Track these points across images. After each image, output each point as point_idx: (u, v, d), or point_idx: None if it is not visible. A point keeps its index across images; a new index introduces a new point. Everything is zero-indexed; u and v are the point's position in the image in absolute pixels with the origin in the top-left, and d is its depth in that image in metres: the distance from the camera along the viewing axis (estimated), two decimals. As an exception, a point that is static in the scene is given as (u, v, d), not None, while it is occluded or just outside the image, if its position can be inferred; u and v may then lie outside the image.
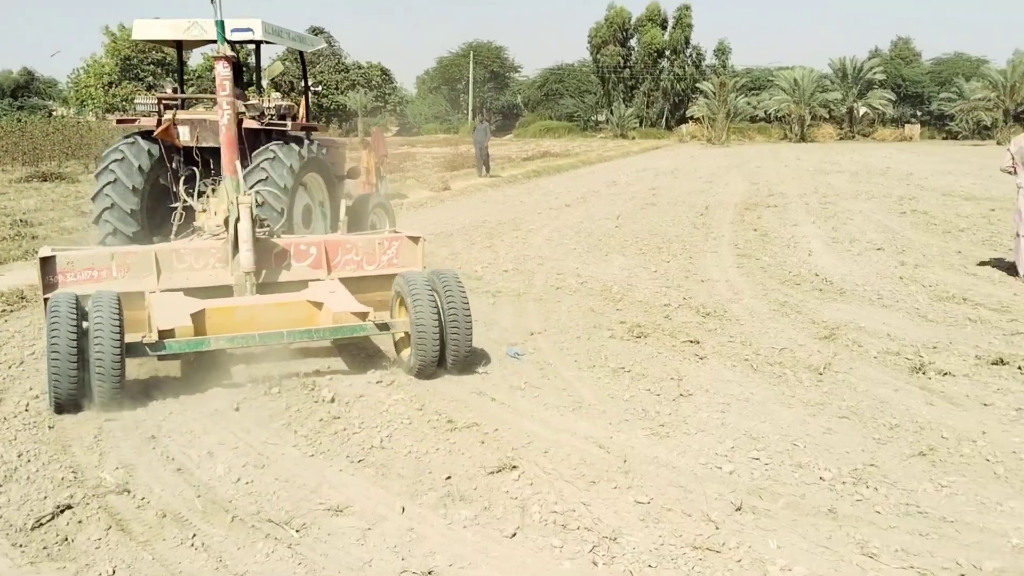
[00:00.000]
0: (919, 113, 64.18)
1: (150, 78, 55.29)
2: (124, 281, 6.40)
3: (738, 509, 4.12)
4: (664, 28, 70.04)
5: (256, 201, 6.82)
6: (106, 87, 54.00)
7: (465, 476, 4.56)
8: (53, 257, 6.26)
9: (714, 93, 57.98)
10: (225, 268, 6.73)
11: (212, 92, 7.87)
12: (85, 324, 5.33)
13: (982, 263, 10.62)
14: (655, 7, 69.85)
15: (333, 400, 5.71)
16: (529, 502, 4.23)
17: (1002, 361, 6.44)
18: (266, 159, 8.54)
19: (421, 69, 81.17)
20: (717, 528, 3.94)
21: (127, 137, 9.06)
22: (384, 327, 6.25)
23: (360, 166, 15.68)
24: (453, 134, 63.42)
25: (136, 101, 9.39)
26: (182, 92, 10.13)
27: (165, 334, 5.61)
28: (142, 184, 8.54)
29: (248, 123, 8.83)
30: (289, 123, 9.14)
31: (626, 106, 67.17)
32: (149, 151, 8.78)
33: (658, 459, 4.74)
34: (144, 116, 9.07)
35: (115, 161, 8.74)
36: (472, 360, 6.39)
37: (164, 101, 8.71)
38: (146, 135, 8.74)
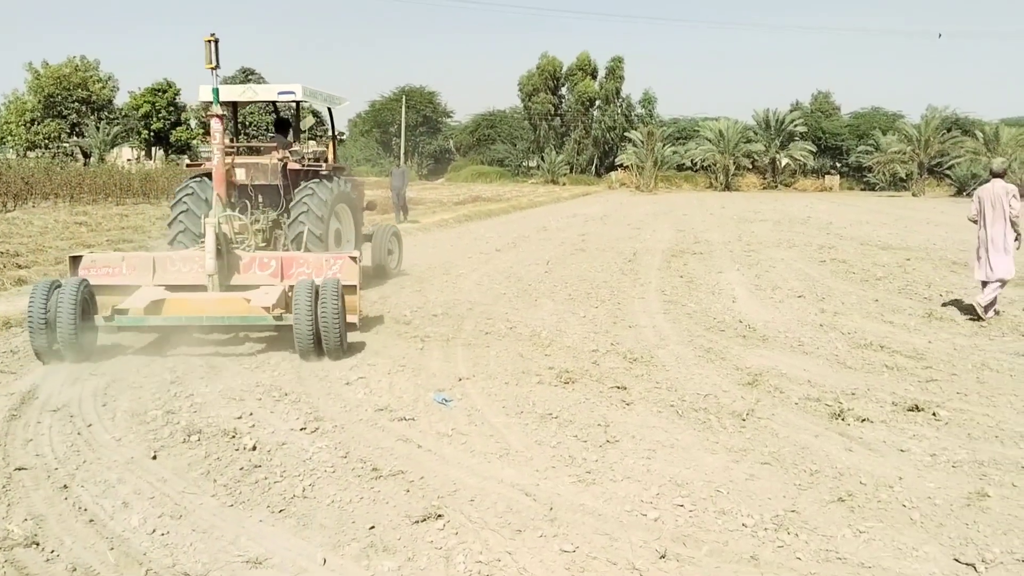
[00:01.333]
0: (838, 164, 66.54)
1: (74, 116, 54.17)
2: (129, 277, 8.60)
3: (662, 557, 4.13)
4: (594, 78, 71.58)
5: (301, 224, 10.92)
6: (28, 124, 52.67)
7: (389, 526, 4.48)
8: (80, 256, 8.69)
9: (642, 142, 59.37)
10: (202, 271, 8.65)
11: (261, 142, 11.35)
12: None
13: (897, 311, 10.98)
14: (585, 57, 71.41)
15: (255, 448, 5.57)
16: (454, 552, 4.17)
17: (917, 408, 6.64)
18: (306, 195, 11.19)
19: (353, 112, 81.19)
20: (642, 576, 3.94)
21: (195, 177, 11.46)
22: (279, 319, 8.04)
23: None
24: (385, 177, 63.45)
25: (201, 148, 13.07)
26: (236, 142, 12.36)
27: (119, 312, 7.86)
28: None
29: (292, 165, 11.47)
30: (323, 165, 12.13)
31: (557, 153, 68.19)
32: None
33: (584, 506, 4.73)
34: (207, 161, 10.97)
35: (187, 195, 11.20)
36: (399, 406, 6.34)
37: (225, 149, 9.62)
38: (209, 175, 10.26)
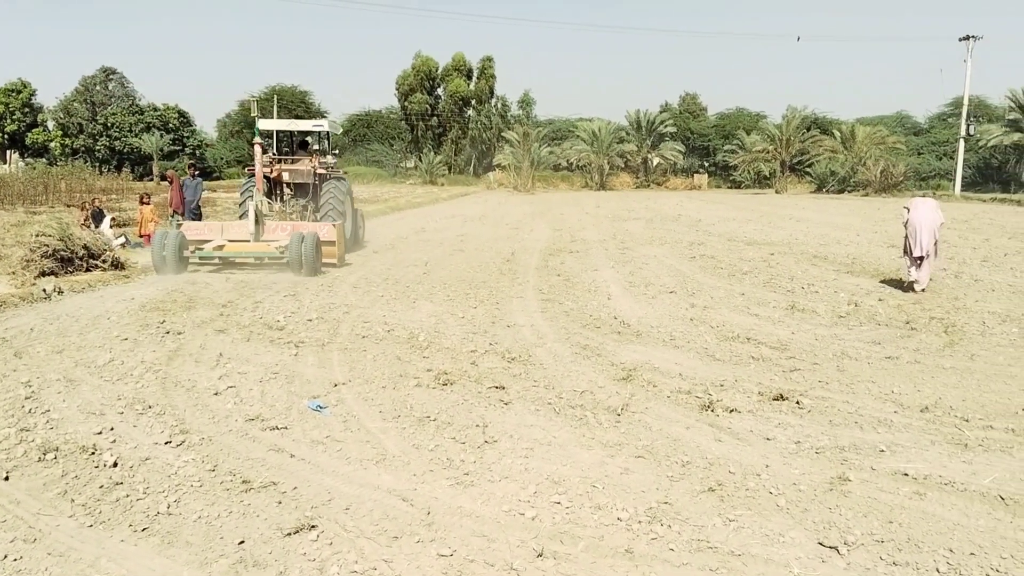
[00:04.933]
0: (706, 164, 68.86)
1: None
2: (209, 235, 15.28)
3: (540, 555, 4.14)
4: (469, 78, 71.73)
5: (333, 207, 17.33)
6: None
7: (260, 540, 4.33)
8: (182, 224, 15.97)
9: (519, 142, 59.84)
10: (246, 231, 15.17)
11: (289, 155, 18.33)
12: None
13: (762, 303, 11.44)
14: (460, 57, 71.50)
15: (116, 464, 5.30)
16: (328, 563, 4.07)
17: (782, 397, 6.92)
18: (332, 189, 17.58)
19: (222, 112, 78.35)
20: (519, 576, 3.94)
21: (250, 178, 17.02)
22: (283, 249, 14.21)
23: (139, 217, 19.28)
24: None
25: (256, 158, 16.23)
26: (276, 154, 18.36)
27: (200, 250, 14.59)
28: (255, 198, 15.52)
29: (320, 171, 17.75)
30: (337, 171, 19.15)
31: (435, 153, 67.95)
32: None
33: (462, 509, 4.70)
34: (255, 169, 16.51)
35: (249, 186, 16.71)
36: (271, 414, 6.18)
37: (269, 161, 17.53)
38: (253, 175, 16.56)
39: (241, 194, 17.82)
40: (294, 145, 19.12)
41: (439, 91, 72.69)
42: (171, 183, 19.99)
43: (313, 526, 4.45)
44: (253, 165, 16.45)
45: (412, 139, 71.59)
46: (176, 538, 4.35)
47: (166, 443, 5.74)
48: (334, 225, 15.39)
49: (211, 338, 9.01)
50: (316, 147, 19.11)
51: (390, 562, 4.06)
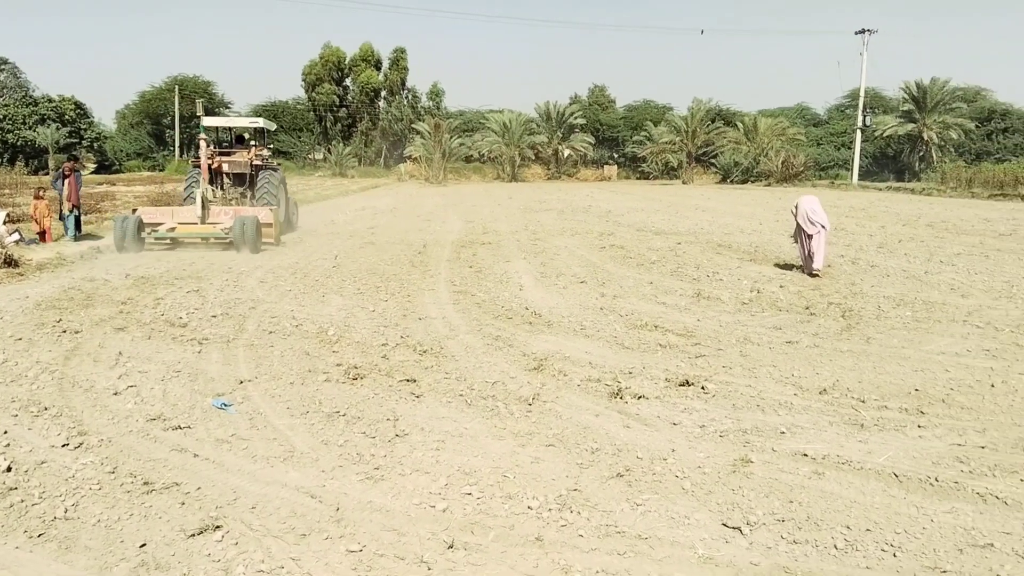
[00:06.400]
0: (616, 155, 69.88)
1: None
2: (162, 218, 17.44)
3: (450, 547, 4.14)
4: (378, 69, 70.94)
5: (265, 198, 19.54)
6: None
7: (163, 542, 4.21)
8: (137, 208, 18.23)
9: (430, 133, 59.52)
10: (195, 216, 17.20)
11: (229, 149, 20.58)
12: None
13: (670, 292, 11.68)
14: (368, 47, 70.70)
15: (9, 469, 5.07)
16: (233, 563, 3.97)
17: (688, 383, 7.07)
18: (267, 179, 19.83)
19: (121, 103, 75.47)
20: (429, 569, 3.92)
21: (195, 168, 19.59)
22: (228, 230, 16.50)
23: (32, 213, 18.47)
24: (159, 171, 59.99)
25: (200, 151, 18.89)
26: (218, 148, 20.59)
27: (155, 231, 16.88)
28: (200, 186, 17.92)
29: (256, 162, 20.06)
30: (271, 162, 21.45)
31: (344, 144, 67.01)
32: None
33: (372, 504, 4.66)
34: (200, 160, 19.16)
35: (195, 175, 19.24)
36: (174, 414, 6.00)
37: (212, 154, 19.73)
38: (198, 167, 19.24)
39: (187, 183, 19.88)
40: (233, 140, 21.60)
41: (347, 82, 71.68)
42: (67, 176, 19.13)
43: (218, 526, 4.34)
44: (197, 157, 19.29)
45: (320, 130, 70.43)
46: (74, 543, 4.19)
47: (63, 446, 5.52)
48: (271, 209, 17.71)
49: (110, 336, 8.69)
50: (252, 142, 21.41)
51: (298, 560, 4.00)
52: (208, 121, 20.27)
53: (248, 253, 15.90)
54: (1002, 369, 7.58)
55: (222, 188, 19.90)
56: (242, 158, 20.13)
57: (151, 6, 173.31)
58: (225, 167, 19.98)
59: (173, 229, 17.02)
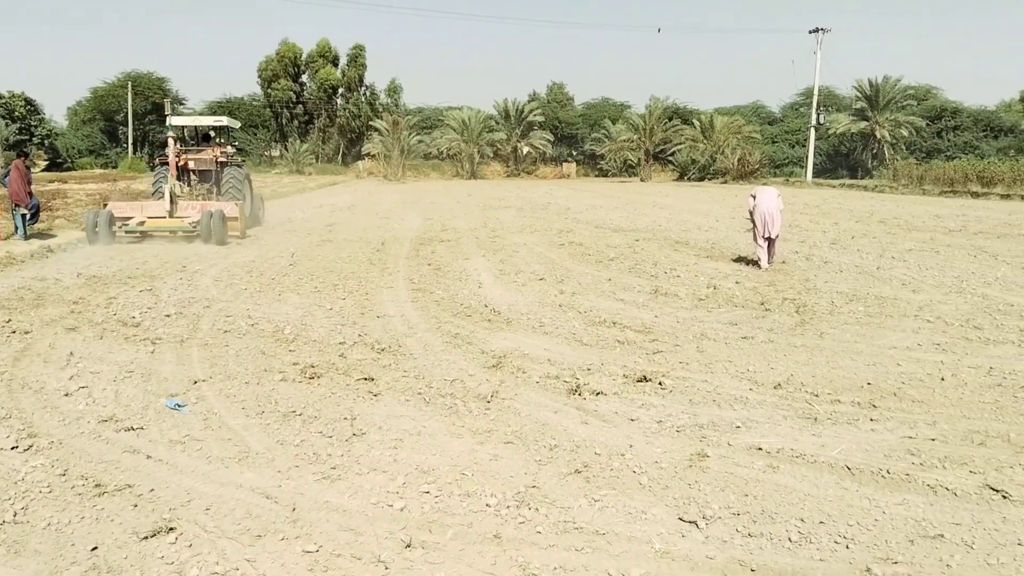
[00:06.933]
0: (574, 152, 70.19)
1: None
2: (132, 212, 18.09)
3: (408, 546, 4.11)
4: (336, 65, 70.38)
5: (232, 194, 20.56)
6: None
7: (115, 545, 4.13)
8: (108, 202, 20.29)
9: (388, 131, 59.23)
10: (164, 209, 17.90)
11: (196, 147, 21.92)
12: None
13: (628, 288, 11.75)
14: (325, 44, 70.12)
15: (-46, 474, 4.93)
16: (187, 566, 3.91)
17: (645, 378, 7.12)
18: (232, 174, 20.93)
19: (73, 99, 73.90)
20: (387, 568, 3.90)
21: (163, 164, 20.09)
22: (195, 227, 17.24)
23: None
24: (111, 169, 58.95)
25: (167, 149, 19.23)
26: (185, 147, 21.48)
27: (125, 224, 17.51)
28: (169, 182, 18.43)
29: (221, 159, 21.38)
30: (236, 159, 22.88)
31: (301, 142, 66.40)
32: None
33: (329, 503, 4.61)
34: (168, 158, 19.50)
35: (162, 173, 19.95)
36: (126, 415, 5.90)
37: (179, 151, 20.21)
38: (165, 164, 19.65)
39: (155, 179, 20.95)
40: (199, 137, 22.61)
41: (304, 78, 71.04)
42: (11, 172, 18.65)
43: (171, 528, 4.27)
44: (164, 155, 19.89)
45: (277, 127, 69.70)
46: (23, 547, 4.10)
47: (12, 448, 5.39)
48: (236, 204, 18.67)
49: (61, 337, 8.51)
50: (218, 139, 22.65)
51: (253, 561, 3.95)
52: (175, 120, 20.66)
53: (214, 245, 16.70)
54: (952, 363, 7.73)
55: (189, 184, 20.81)
56: (208, 155, 21.40)
57: (103, 1, 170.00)
58: (192, 164, 21.17)
59: (143, 223, 17.66)
